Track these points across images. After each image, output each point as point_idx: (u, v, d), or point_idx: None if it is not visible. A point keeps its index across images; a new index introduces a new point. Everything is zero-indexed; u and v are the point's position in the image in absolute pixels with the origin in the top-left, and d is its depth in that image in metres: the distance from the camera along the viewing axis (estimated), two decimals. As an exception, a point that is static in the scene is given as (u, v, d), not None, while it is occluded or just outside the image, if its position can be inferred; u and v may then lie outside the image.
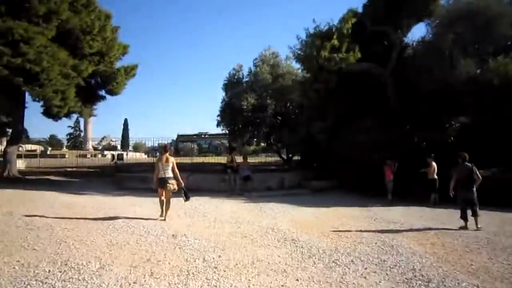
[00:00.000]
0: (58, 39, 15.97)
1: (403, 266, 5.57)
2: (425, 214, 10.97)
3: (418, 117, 15.75)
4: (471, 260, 5.97)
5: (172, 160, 8.78)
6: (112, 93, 19.91)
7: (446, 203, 11.23)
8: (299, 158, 33.47)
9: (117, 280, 4.66)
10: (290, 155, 33.34)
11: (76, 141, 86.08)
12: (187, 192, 9.20)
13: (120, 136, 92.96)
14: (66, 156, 42.89)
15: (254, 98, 26.29)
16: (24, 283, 4.48)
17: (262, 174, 18.57)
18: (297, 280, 4.94)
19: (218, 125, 31.70)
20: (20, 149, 54.77)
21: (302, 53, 17.27)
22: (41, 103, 18.65)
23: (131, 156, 46.81)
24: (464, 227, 8.59)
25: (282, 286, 4.71)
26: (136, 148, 79.29)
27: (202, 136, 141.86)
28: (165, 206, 8.77)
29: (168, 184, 8.52)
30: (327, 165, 18.83)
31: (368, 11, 17.64)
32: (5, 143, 21.40)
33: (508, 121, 13.68)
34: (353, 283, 4.86)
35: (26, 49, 14.35)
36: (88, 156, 47.35)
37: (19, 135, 18.86)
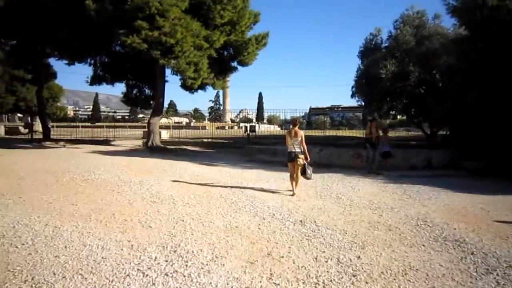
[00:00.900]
0: (191, 10, 16.00)
1: None
2: None
3: None
4: None
5: (301, 134, 8.28)
6: (243, 63, 19.58)
7: None
8: (445, 133, 29.45)
9: (227, 283, 3.68)
10: (435, 130, 29.48)
11: (216, 114, 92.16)
12: (306, 170, 8.27)
13: (255, 108, 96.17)
14: (207, 127, 45.67)
15: (395, 64, 23.37)
16: (125, 272, 3.83)
17: (404, 151, 16.17)
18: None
19: (352, 96, 29.51)
20: (170, 121, 60.93)
21: (459, 3, 14.10)
22: (179, 76, 19.40)
23: (265, 129, 47.73)
24: None
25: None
26: (270, 121, 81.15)
27: (335, 109, 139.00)
28: (295, 180, 8.36)
29: (297, 159, 8.11)
30: (487, 143, 15.43)
31: None
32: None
33: None
34: None
35: (161, 22, 14.61)
36: (226, 127, 49.68)
37: (161, 107, 19.96)
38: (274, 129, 53.97)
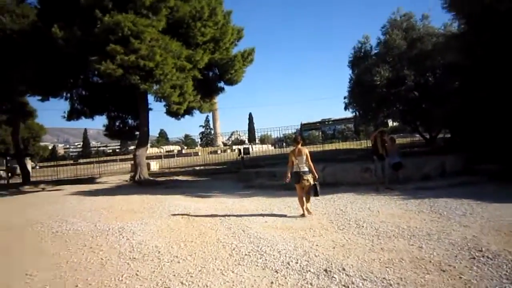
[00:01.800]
0: (169, 30, 14.80)
1: None
2: None
3: None
4: None
5: (306, 151, 7.71)
6: (231, 82, 18.35)
7: None
8: (443, 136, 28.35)
9: None
10: (433, 134, 28.41)
11: (208, 139, 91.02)
12: (318, 188, 8.03)
13: (246, 130, 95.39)
14: (199, 153, 44.38)
15: (388, 70, 22.37)
16: None
17: (413, 159, 14.85)
18: None
19: (346, 108, 28.39)
20: (161, 150, 59.43)
21: (457, -3, 13.05)
22: (163, 102, 18.10)
23: (258, 149, 46.40)
24: None
25: None
26: (263, 141, 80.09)
27: (326, 122, 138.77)
28: (305, 201, 7.88)
29: (303, 180, 7.55)
30: (497, 144, 14.14)
31: None
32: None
33: None
34: None
35: (137, 44, 13.36)
36: (218, 152, 48.50)
37: (146, 138, 18.55)
38: (268, 149, 52.68)
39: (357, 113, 28.41)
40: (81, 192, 14.85)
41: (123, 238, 6.77)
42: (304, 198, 7.83)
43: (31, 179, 21.62)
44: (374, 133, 12.63)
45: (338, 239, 6.01)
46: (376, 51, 25.52)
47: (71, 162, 32.29)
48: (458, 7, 13.42)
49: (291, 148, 8.46)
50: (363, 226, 6.77)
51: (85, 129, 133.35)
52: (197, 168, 22.16)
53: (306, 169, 7.63)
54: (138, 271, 4.96)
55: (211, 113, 77.41)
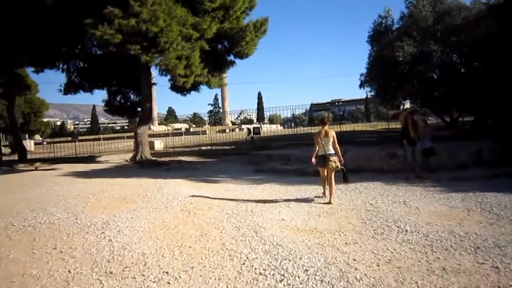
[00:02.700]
0: (173, -7, 13.13)
1: None
2: None
3: None
4: None
5: (333, 133, 7.19)
6: (241, 55, 16.67)
7: None
8: (463, 119, 26.70)
9: None
10: (455, 117, 26.73)
11: (216, 117, 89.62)
12: (346, 173, 7.56)
13: (255, 108, 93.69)
14: (207, 132, 43.25)
15: (412, 45, 20.59)
16: None
17: (446, 145, 13.23)
18: None
19: (361, 85, 26.76)
20: (169, 128, 58.25)
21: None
22: (168, 77, 16.62)
23: (267, 129, 45.03)
24: None
25: None
26: (272, 120, 78.61)
27: (336, 103, 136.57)
28: (328, 187, 7.29)
29: (329, 162, 7.06)
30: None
31: None
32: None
33: None
34: None
35: (137, 7, 11.76)
36: (227, 130, 47.36)
37: (149, 115, 17.12)
38: (277, 129, 51.24)
39: (375, 92, 26.75)
40: (75, 173, 13.56)
41: (104, 238, 5.38)
42: (327, 183, 7.35)
43: (34, 156, 20.44)
44: (404, 113, 11.02)
45: (379, 250, 4.56)
46: (399, 25, 23.76)
47: (69, 139, 30.94)
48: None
49: (316, 129, 7.82)
50: (406, 230, 5.33)
51: (94, 106, 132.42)
52: (204, 148, 20.76)
53: (332, 151, 7.13)
54: (111, 296, 3.58)
55: (220, 91, 75.83)
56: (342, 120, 73.68)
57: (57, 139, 37.63)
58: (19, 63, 18.25)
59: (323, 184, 7.63)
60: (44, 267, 4.42)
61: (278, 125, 62.48)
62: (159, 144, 23.29)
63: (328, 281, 3.72)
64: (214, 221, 6.14)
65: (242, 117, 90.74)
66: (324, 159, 7.13)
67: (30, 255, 4.85)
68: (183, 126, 59.59)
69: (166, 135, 33.71)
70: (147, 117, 16.89)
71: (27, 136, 37.08)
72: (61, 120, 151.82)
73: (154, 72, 17.32)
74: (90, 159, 19.23)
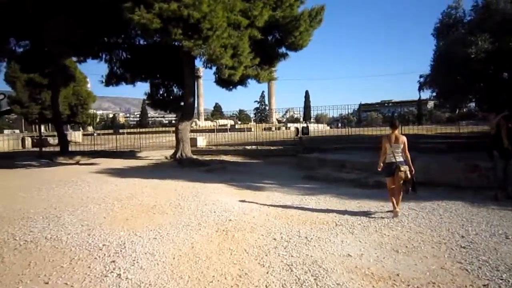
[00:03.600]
0: (220, -25, 11.75)
1: None
2: None
3: None
4: None
5: (404, 139, 6.43)
6: (295, 47, 15.02)
7: None
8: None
9: None
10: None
11: (262, 115, 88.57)
12: (415, 183, 6.53)
13: (301, 107, 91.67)
14: (252, 129, 42.11)
15: (488, 41, 18.02)
16: None
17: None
18: None
19: (421, 88, 24.21)
20: (215, 123, 57.86)
21: None
22: (213, 69, 15.38)
23: (313, 128, 43.20)
24: None
25: None
26: (318, 120, 76.37)
27: (385, 104, 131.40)
28: (395, 197, 6.47)
29: (399, 171, 6.25)
30: None
31: None
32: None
33: None
34: None
35: (180, -10, 10.52)
36: (273, 129, 45.96)
37: (191, 110, 15.98)
38: (324, 129, 49.17)
39: (438, 93, 24.17)
40: (110, 170, 12.60)
41: (112, 272, 4.02)
42: (395, 194, 6.47)
43: (80, 148, 19.96)
44: (496, 118, 8.98)
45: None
46: (471, 18, 21.17)
47: (112, 132, 30.71)
48: None
49: (385, 133, 7.19)
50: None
51: (144, 99, 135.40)
52: (248, 147, 19.37)
53: (402, 159, 6.35)
54: None
55: (267, 88, 74.47)
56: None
57: (106, 131, 38.00)
58: (61, 53, 17.80)
59: (390, 197, 6.58)
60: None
61: (325, 125, 60.25)
62: (202, 141, 22.19)
63: None
64: (257, 251, 4.64)
65: (288, 115, 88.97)
66: (392, 168, 6.38)
67: (10, 294, 3.59)
68: (229, 122, 58.83)
69: (211, 131, 32.86)
70: (189, 112, 15.75)
71: (74, 127, 37.67)
72: (113, 113, 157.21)
73: (201, 67, 16.17)
74: (131, 154, 18.45)
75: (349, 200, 7.71)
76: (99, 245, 4.89)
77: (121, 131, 34.36)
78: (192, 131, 37.57)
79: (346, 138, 21.43)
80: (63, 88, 25.16)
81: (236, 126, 49.10)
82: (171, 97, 17.88)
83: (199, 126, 53.21)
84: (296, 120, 74.14)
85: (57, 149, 20.38)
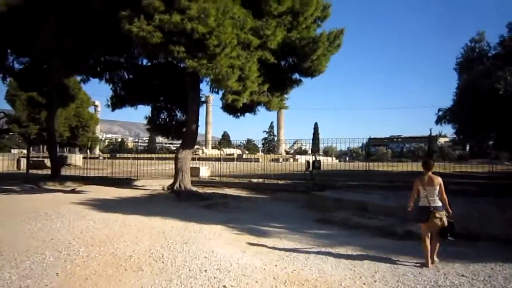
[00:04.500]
0: (231, -12, 10.57)
1: None
2: None
3: None
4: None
5: (440, 181, 5.70)
6: (311, 72, 13.65)
7: None
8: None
9: None
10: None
11: (270, 145, 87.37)
12: (454, 226, 5.64)
13: (309, 138, 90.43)
14: (260, 160, 40.65)
15: (516, 75, 16.74)
16: None
17: None
18: None
19: (438, 121, 22.73)
20: (222, 152, 56.60)
21: None
22: (220, 94, 14.08)
23: (322, 161, 41.51)
24: None
25: None
26: (326, 152, 74.96)
27: (394, 139, 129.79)
28: (430, 247, 5.62)
29: (435, 218, 5.54)
30: None
31: None
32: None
33: None
34: None
35: (185, 2, 9.29)
36: (280, 160, 44.56)
37: (194, 137, 14.51)
38: (333, 162, 47.54)
39: (458, 129, 22.63)
40: (95, 202, 11.04)
41: None
42: (430, 244, 5.73)
43: (78, 172, 18.50)
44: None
45: None
46: (496, 52, 19.99)
47: (107, 156, 29.31)
48: None
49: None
50: None
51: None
52: (255, 180, 17.79)
53: (439, 203, 5.71)
54: None
55: (276, 118, 73.47)
56: (401, 158, 68.28)
57: (108, 155, 36.64)
58: (55, 68, 16.67)
59: (424, 246, 5.70)
60: None
61: (334, 158, 58.79)
62: (205, 171, 20.66)
63: None
64: None
65: (296, 146, 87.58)
66: (427, 213, 5.66)
67: None
68: (236, 152, 57.53)
69: (217, 159, 31.42)
70: (191, 140, 14.31)
71: (74, 150, 36.46)
72: (121, 137, 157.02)
73: (211, 95, 14.89)
74: (126, 182, 16.93)
75: (379, 256, 6.11)
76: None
77: (118, 155, 33.00)
78: (198, 159, 36.31)
79: (359, 174, 19.77)
80: (63, 109, 24.03)
81: (244, 156, 47.89)
82: (174, 122, 16.52)
83: (206, 154, 51.99)
84: (304, 152, 72.65)
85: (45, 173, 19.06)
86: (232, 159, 36.75)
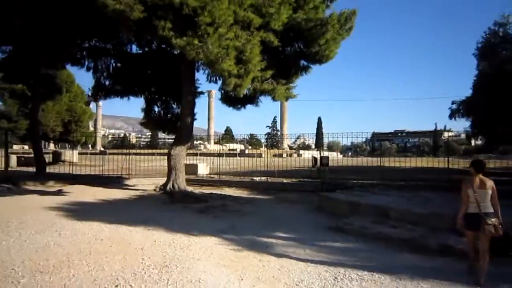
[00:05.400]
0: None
1: None
2: None
3: None
4: None
5: (491, 184, 4.96)
6: (319, 58, 12.02)
7: None
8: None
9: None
10: None
11: (273, 140, 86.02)
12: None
13: (312, 133, 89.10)
14: (262, 155, 39.31)
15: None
16: None
17: None
18: None
19: (452, 115, 21.24)
20: (224, 147, 55.21)
21: None
22: (218, 84, 12.64)
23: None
24: None
25: None
26: (330, 147, 73.59)
27: (399, 134, 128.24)
28: (480, 262, 4.82)
29: (487, 225, 4.75)
30: None
31: None
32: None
33: None
34: None
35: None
36: (284, 155, 43.22)
37: (188, 132, 13.00)
38: (337, 157, 46.05)
39: (474, 122, 21.06)
40: (73, 206, 9.61)
41: None
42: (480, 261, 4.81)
43: (74, 169, 17.10)
44: None
45: None
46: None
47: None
48: None
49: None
50: None
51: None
52: (257, 179, 16.32)
53: (490, 209, 4.85)
54: None
55: (279, 113, 71.85)
56: (405, 153, 66.78)
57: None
58: (34, 59, 15.23)
59: (470, 259, 5.14)
60: None
61: (338, 153, 57.49)
62: (203, 169, 19.18)
63: None
64: None
65: (299, 141, 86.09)
66: (477, 220, 4.87)
67: None
68: (238, 147, 56.18)
69: (219, 155, 30.20)
70: (186, 134, 12.81)
71: (72, 145, 35.00)
72: (124, 133, 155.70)
73: (208, 83, 13.40)
74: (116, 181, 15.49)
75: (414, 281, 4.73)
76: None
77: (110, 151, 31.53)
78: (200, 154, 34.95)
79: (369, 171, 18.24)
80: (55, 103, 22.59)
81: (246, 151, 46.73)
82: (169, 116, 15.02)
83: (208, 149, 50.67)
84: (308, 147, 71.12)
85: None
86: (235, 155, 35.52)
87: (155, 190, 12.80)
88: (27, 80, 17.17)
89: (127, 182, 15.53)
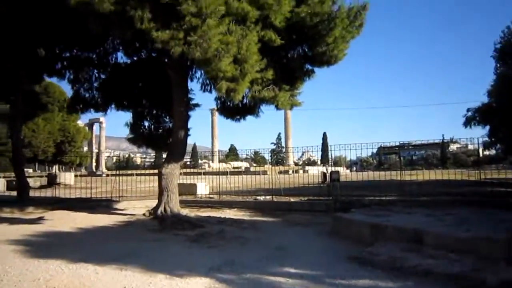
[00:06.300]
0: None
1: None
2: None
3: None
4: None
5: None
6: (327, 59, 10.48)
7: None
8: None
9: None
10: None
11: (278, 157, 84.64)
12: None
13: (317, 146, 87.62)
14: (267, 172, 37.90)
15: None
16: None
17: None
18: None
19: (468, 123, 19.74)
20: (229, 165, 53.71)
21: None
22: (214, 94, 11.25)
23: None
24: None
25: None
26: (336, 163, 71.93)
27: (405, 147, 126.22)
28: None
29: None
30: None
31: None
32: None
33: None
34: None
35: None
36: (290, 172, 41.87)
37: (182, 148, 11.48)
38: (344, 172, 44.37)
39: (494, 128, 19.52)
40: (41, 238, 8.09)
41: None
42: None
43: (69, 192, 15.58)
44: None
45: None
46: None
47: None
48: None
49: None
50: None
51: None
52: (262, 198, 14.74)
53: None
54: None
55: (283, 128, 70.53)
56: (412, 165, 64.88)
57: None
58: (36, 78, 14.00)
59: None
60: None
61: (344, 168, 56.10)
62: (203, 188, 17.63)
63: None
64: None
65: (304, 157, 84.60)
66: None
67: None
68: (243, 165, 54.80)
69: (224, 173, 28.80)
70: (179, 150, 11.29)
71: (70, 168, 33.73)
72: (129, 153, 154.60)
73: (201, 92, 12.12)
74: (105, 204, 13.99)
75: None
76: None
77: (106, 172, 30.11)
78: (204, 173, 33.52)
79: (383, 185, 16.64)
80: (46, 122, 21.29)
81: (251, 169, 45.48)
82: (160, 131, 13.56)
83: (212, 168, 49.24)
84: (314, 163, 69.47)
85: (31, 193, 16.22)
86: (239, 173, 34.08)
87: (144, 214, 11.24)
88: (7, 97, 15.87)
89: (117, 205, 14.02)
